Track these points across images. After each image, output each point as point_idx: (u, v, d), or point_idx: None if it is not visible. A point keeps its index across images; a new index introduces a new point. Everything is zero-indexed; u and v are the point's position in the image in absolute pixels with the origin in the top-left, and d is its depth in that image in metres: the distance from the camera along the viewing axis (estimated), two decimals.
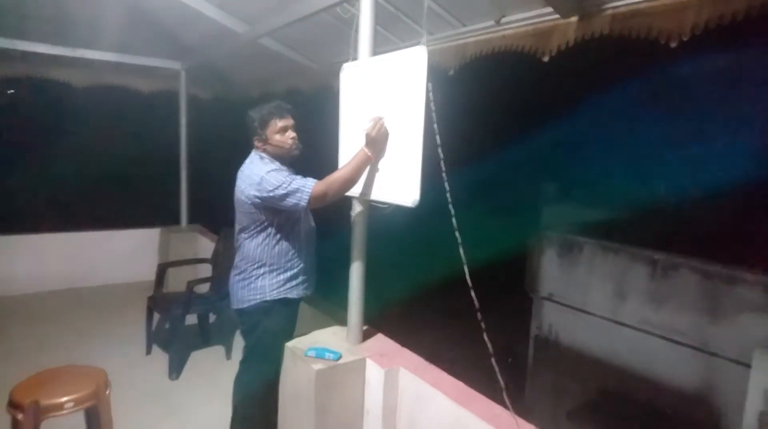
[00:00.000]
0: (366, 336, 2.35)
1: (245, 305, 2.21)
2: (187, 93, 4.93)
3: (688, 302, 3.92)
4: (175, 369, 3.29)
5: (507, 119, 5.72)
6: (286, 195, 1.99)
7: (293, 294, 2.26)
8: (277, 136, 2.15)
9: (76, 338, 3.80)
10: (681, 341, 3.96)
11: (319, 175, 2.06)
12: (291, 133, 2.18)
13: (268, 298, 2.19)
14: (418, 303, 5.71)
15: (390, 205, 1.96)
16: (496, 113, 5.66)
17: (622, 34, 1.80)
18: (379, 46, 2.11)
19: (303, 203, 1.99)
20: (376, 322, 2.50)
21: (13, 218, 4.97)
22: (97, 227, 5.25)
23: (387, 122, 1.92)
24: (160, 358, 3.45)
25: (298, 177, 2.07)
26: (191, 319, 3.60)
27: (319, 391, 2.09)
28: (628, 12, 1.79)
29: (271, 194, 2.01)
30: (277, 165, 2.14)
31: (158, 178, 5.37)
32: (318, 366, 2.09)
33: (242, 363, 2.36)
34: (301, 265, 2.26)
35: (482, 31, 2.38)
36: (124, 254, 5.15)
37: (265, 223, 2.13)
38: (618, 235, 4.63)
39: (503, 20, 2.27)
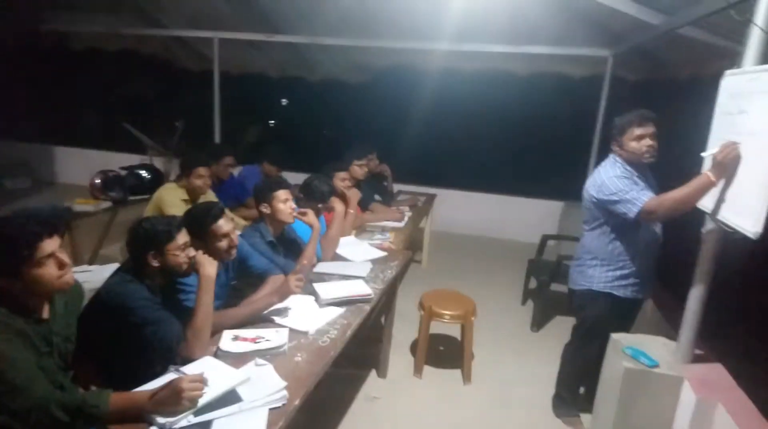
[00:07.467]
0: (697, 360, 2.21)
1: (576, 287, 2.52)
2: (612, 76, 5.09)
3: None
4: (537, 324, 3.90)
5: None
6: (618, 202, 2.14)
7: (620, 292, 2.39)
8: (633, 143, 2.24)
9: (473, 272, 5.01)
10: None
11: (670, 180, 2.07)
12: (648, 141, 2.22)
13: (594, 288, 2.41)
14: None
15: (735, 229, 1.78)
16: None
17: None
18: None
19: (631, 215, 2.09)
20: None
21: (454, 177, 6.71)
22: (509, 193, 6.44)
23: (746, 144, 1.73)
24: (529, 311, 4.11)
25: (637, 188, 2.15)
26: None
27: (624, 389, 2.20)
28: None
29: (605, 198, 2.20)
30: (626, 171, 2.26)
31: (570, 157, 5.90)
32: (628, 364, 2.19)
33: (572, 334, 2.70)
34: (634, 268, 2.34)
35: None
36: (526, 218, 6.12)
37: (602, 221, 2.34)
38: None
39: None
